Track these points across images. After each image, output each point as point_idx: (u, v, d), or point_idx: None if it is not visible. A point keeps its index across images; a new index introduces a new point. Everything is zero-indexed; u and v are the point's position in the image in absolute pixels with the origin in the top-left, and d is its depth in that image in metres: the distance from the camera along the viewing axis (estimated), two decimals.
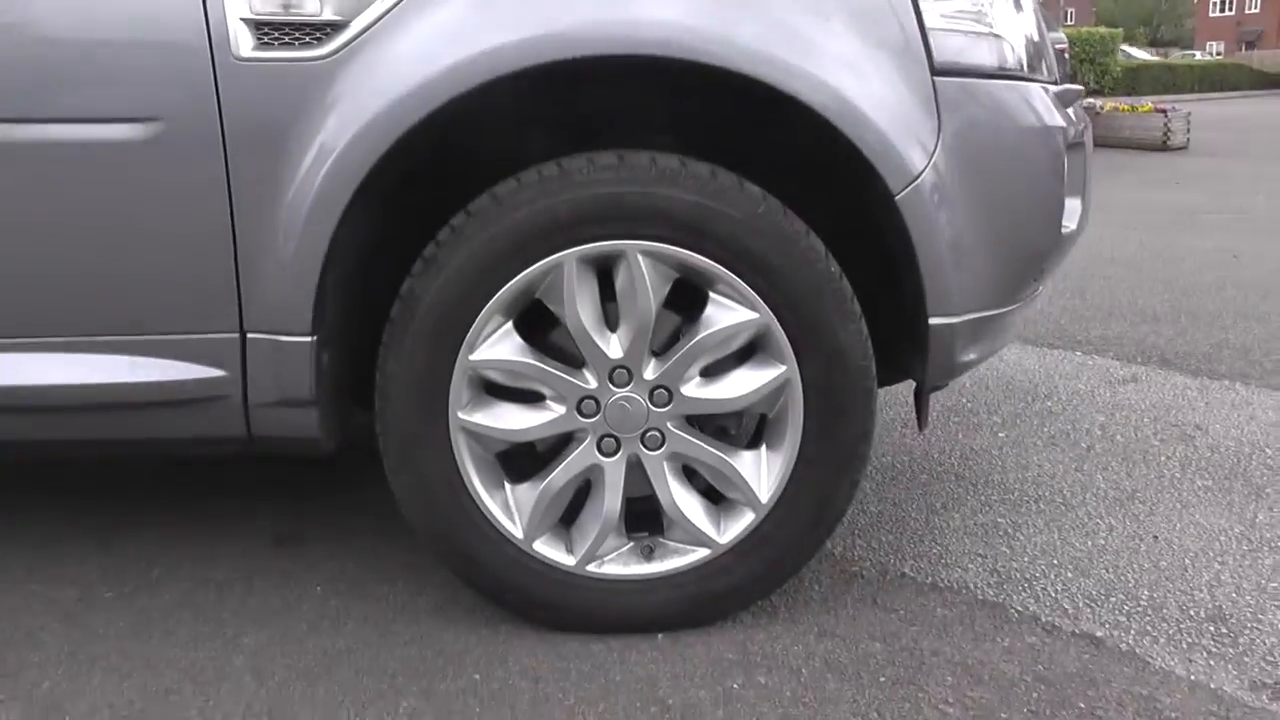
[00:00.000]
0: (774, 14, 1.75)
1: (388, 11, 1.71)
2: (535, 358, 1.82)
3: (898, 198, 1.77)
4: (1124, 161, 10.96)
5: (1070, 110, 2.10)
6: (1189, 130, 12.80)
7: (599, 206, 1.75)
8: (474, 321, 1.78)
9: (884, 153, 1.76)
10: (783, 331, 1.79)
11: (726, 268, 1.77)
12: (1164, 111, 12.78)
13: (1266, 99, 29.08)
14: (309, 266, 1.75)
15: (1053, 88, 2.03)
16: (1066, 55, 12.74)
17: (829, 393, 1.82)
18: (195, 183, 1.73)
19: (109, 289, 1.78)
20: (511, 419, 1.85)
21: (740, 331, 1.81)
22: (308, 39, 1.71)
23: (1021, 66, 1.96)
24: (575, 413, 1.84)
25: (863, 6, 1.79)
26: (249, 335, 1.80)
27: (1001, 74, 1.92)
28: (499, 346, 1.81)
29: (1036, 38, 2.04)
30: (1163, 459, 2.78)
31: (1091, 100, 14.05)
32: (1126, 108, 13.31)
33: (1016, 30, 1.96)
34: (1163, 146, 12.47)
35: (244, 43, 1.70)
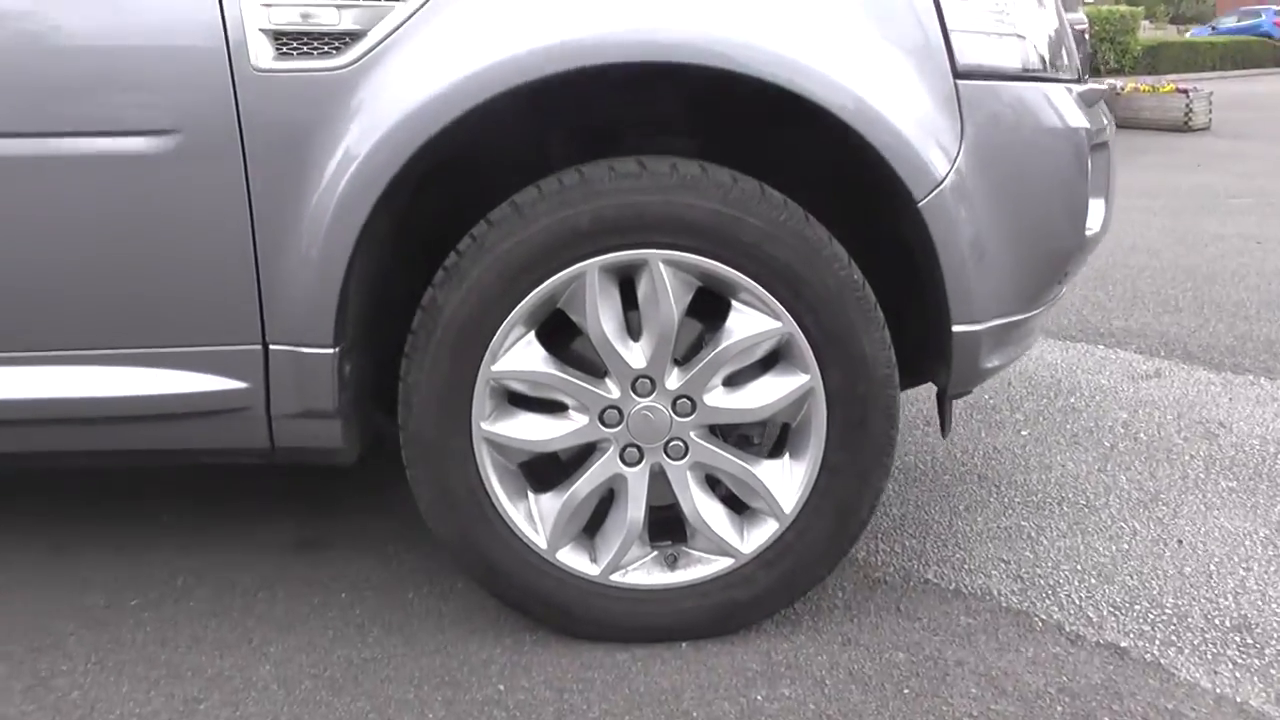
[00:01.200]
0: (795, 19, 1.74)
1: (405, 21, 1.71)
2: (558, 368, 1.82)
3: (921, 204, 1.75)
4: (1145, 143, 10.84)
5: (1094, 109, 2.08)
6: (1211, 110, 12.63)
7: (621, 215, 1.73)
8: (496, 332, 1.77)
9: (907, 159, 1.74)
10: (806, 340, 1.78)
11: (749, 276, 1.76)
12: (1185, 92, 12.61)
13: None
14: (330, 278, 1.75)
15: (1076, 87, 2.01)
16: (1086, 35, 12.59)
17: (852, 402, 1.81)
18: (216, 195, 1.73)
19: (131, 302, 1.79)
20: (534, 429, 1.84)
21: (763, 340, 1.79)
22: (326, 49, 1.70)
23: (1044, 66, 1.94)
24: (598, 422, 1.83)
25: (884, 9, 1.78)
26: (271, 347, 1.80)
27: (1024, 75, 1.90)
28: (521, 357, 1.80)
29: (1059, 35, 2.01)
30: (1186, 458, 2.76)
31: (1112, 81, 13.91)
32: (1147, 88, 13.14)
33: (1039, 29, 1.94)
34: (1184, 127, 12.31)
35: (263, 54, 1.69)
